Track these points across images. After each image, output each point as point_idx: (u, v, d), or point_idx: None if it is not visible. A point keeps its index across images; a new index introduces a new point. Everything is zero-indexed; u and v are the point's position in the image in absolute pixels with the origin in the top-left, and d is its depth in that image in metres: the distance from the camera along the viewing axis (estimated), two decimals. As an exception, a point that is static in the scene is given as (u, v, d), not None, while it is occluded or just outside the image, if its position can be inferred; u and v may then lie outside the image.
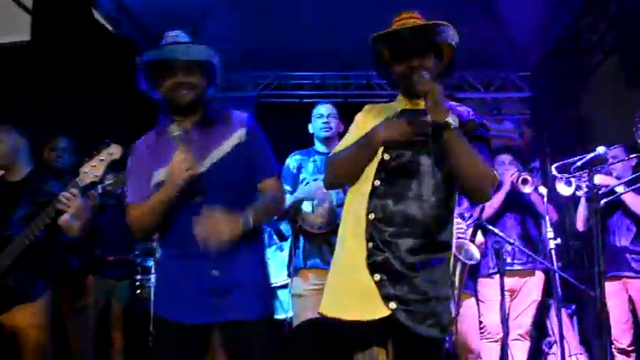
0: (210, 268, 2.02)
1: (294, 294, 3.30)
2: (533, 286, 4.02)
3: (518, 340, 3.93)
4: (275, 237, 4.64)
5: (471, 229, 3.42)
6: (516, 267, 3.91)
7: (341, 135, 2.99)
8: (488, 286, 4.04)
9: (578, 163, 2.76)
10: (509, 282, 3.75)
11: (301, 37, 5.55)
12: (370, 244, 1.89)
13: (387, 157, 1.93)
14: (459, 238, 3.32)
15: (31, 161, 3.07)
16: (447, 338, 2.93)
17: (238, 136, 2.14)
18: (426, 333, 1.83)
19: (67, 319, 3.56)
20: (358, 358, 1.89)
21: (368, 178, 1.95)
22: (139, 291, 4.54)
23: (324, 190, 3.05)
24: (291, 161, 3.42)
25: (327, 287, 2.01)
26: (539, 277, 4.03)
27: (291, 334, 3.31)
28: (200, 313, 2.04)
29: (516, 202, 4.05)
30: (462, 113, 1.97)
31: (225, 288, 2.03)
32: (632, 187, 3.20)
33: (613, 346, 3.53)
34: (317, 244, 3.20)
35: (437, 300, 1.87)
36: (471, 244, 3.22)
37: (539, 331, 4.41)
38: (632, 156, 3.32)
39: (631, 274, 3.55)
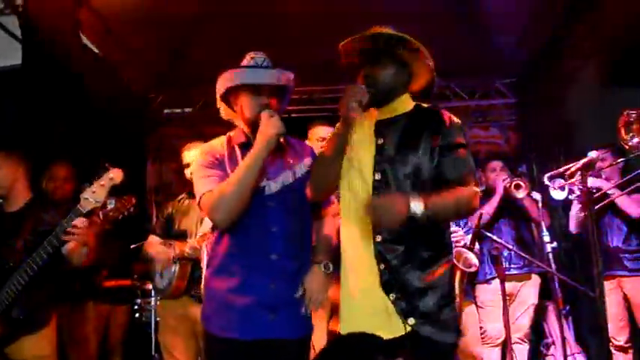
0: (268, 282, 2.07)
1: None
2: (530, 290, 4.10)
3: (517, 343, 3.99)
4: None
5: (469, 236, 3.48)
6: (513, 271, 4.00)
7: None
8: (487, 292, 4.12)
9: (573, 169, 2.83)
10: (507, 286, 3.79)
11: (288, 52, 5.58)
12: (382, 266, 1.94)
13: (377, 177, 1.98)
14: (456, 246, 3.38)
15: (29, 189, 3.03)
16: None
17: (309, 162, 2.25)
18: (445, 340, 1.90)
19: (69, 348, 3.55)
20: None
21: (364, 198, 1.98)
22: (137, 315, 4.52)
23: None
24: None
25: (342, 311, 2.05)
26: (535, 280, 4.12)
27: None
28: (256, 328, 2.06)
29: (509, 208, 4.15)
30: (443, 121, 2.01)
31: (278, 303, 2.08)
32: (624, 189, 3.29)
33: (610, 343, 3.60)
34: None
35: (448, 306, 1.94)
36: (469, 251, 3.28)
37: (535, 333, 4.48)
38: (619, 160, 3.42)
39: (625, 273, 3.65)
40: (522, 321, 4.07)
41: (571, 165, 2.83)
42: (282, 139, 2.17)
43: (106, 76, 5.46)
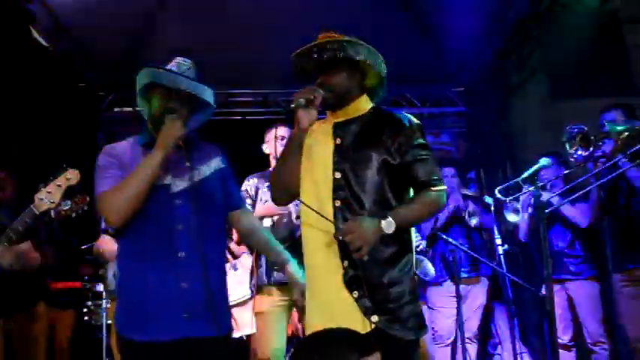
0: (179, 280, 2.06)
1: (258, 311, 3.31)
2: (478, 292, 4.27)
3: (466, 342, 4.13)
4: (229, 255, 4.63)
5: (424, 242, 3.62)
6: (463, 275, 4.12)
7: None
8: (438, 293, 4.26)
9: (526, 174, 2.97)
10: (457, 289, 3.96)
11: (243, 54, 5.58)
12: (345, 263, 1.97)
13: (337, 175, 2.02)
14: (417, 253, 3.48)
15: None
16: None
17: (219, 161, 2.28)
18: (408, 336, 1.95)
19: (18, 351, 3.43)
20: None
21: (324, 197, 2.02)
22: (87, 318, 4.38)
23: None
24: (248, 184, 3.46)
25: (308, 311, 2.08)
26: (483, 283, 4.29)
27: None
28: (171, 328, 2.05)
29: (460, 215, 4.30)
30: (403, 121, 2.05)
31: (194, 301, 2.07)
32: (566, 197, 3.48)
33: (555, 342, 3.80)
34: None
35: (411, 302, 1.99)
36: (427, 260, 3.40)
37: (483, 333, 4.66)
38: (565, 172, 3.62)
39: (569, 276, 3.85)
40: (471, 322, 4.21)
41: (526, 174, 2.96)
42: (180, 142, 2.16)
43: (57, 72, 5.28)
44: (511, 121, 5.72)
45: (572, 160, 3.23)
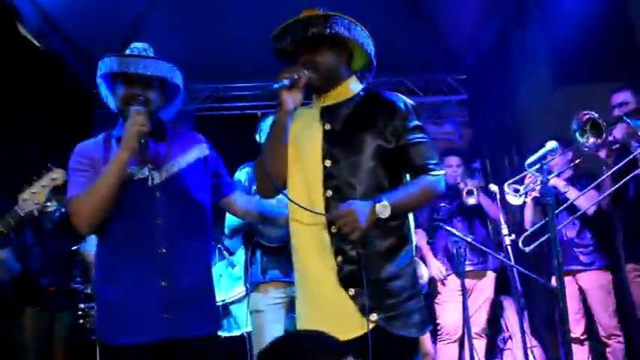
0: (160, 278, 1.97)
1: (254, 310, 3.17)
2: (485, 285, 4.13)
3: (474, 338, 3.97)
4: (225, 252, 4.50)
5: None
6: (468, 268, 3.98)
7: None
8: (442, 288, 4.11)
9: (533, 158, 2.81)
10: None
11: (239, 48, 5.45)
12: (339, 258, 1.82)
13: (328, 163, 1.87)
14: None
15: None
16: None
17: (201, 149, 2.18)
18: (410, 334, 1.80)
19: (6, 357, 3.32)
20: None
21: (314, 187, 1.87)
22: (81, 320, 4.27)
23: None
24: (242, 174, 3.31)
25: (299, 312, 1.94)
26: (490, 276, 4.15)
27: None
28: (150, 330, 1.95)
29: (463, 206, 4.15)
30: (397, 105, 1.90)
31: (176, 300, 1.97)
32: (576, 186, 3.32)
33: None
34: (275, 257, 3.10)
35: (413, 297, 1.85)
36: (421, 263, 3.25)
37: (492, 328, 4.51)
38: (571, 156, 3.45)
39: (580, 267, 3.68)
40: (479, 316, 4.09)
41: (532, 157, 2.81)
42: (148, 134, 2.04)
43: (48, 70, 5.16)
44: (516, 107, 5.55)
45: (585, 149, 3.06)
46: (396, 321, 1.79)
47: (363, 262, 1.79)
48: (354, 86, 1.98)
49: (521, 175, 3.37)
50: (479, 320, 4.08)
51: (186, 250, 2.04)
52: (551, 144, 2.78)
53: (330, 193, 1.85)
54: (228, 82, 6.14)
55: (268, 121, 3.28)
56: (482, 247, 3.47)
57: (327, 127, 1.91)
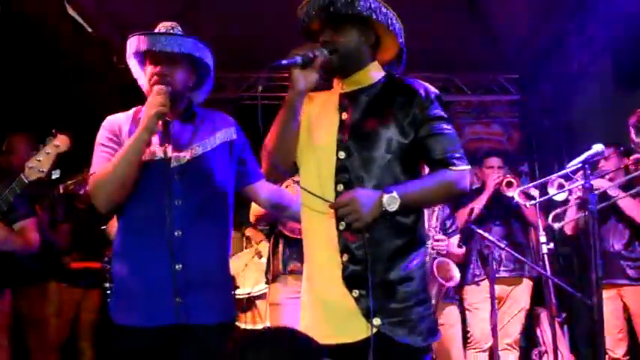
0: (174, 261, 1.92)
1: (272, 302, 3.11)
2: (520, 294, 3.91)
3: (506, 349, 3.81)
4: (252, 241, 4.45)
5: (455, 238, 3.30)
6: (503, 274, 3.79)
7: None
8: (475, 293, 3.92)
9: (575, 161, 2.61)
10: (496, 289, 3.57)
11: (284, 38, 5.38)
12: (345, 257, 1.70)
13: (341, 155, 1.74)
14: (438, 254, 3.18)
15: None
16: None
17: (228, 133, 2.12)
18: (415, 343, 1.66)
19: (27, 327, 3.39)
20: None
21: (326, 179, 1.75)
22: (109, 300, 4.31)
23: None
24: None
25: (303, 310, 1.83)
26: (526, 284, 3.93)
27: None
28: (161, 313, 1.90)
29: (501, 207, 3.95)
30: (417, 90, 1.76)
31: (190, 284, 1.92)
32: (629, 192, 3.08)
33: (607, 356, 3.40)
34: (298, 248, 3.01)
35: (421, 303, 1.71)
36: (453, 263, 3.09)
37: (528, 340, 4.27)
38: (631, 159, 3.19)
39: (626, 281, 3.44)
40: (512, 326, 3.86)
41: (575, 160, 2.60)
42: (168, 114, 1.99)
43: (96, 53, 5.24)
44: (572, 110, 5.26)
45: (639, 148, 2.83)
46: (400, 327, 1.66)
47: (369, 262, 1.67)
48: (375, 73, 1.84)
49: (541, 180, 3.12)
50: (512, 331, 3.85)
51: (203, 235, 1.99)
52: (597, 147, 2.56)
53: (341, 187, 1.73)
54: (272, 71, 6.08)
55: None
56: (516, 254, 3.26)
57: (344, 116, 1.79)
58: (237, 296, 4.06)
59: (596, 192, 2.99)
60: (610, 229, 3.50)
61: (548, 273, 3.10)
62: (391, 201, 1.63)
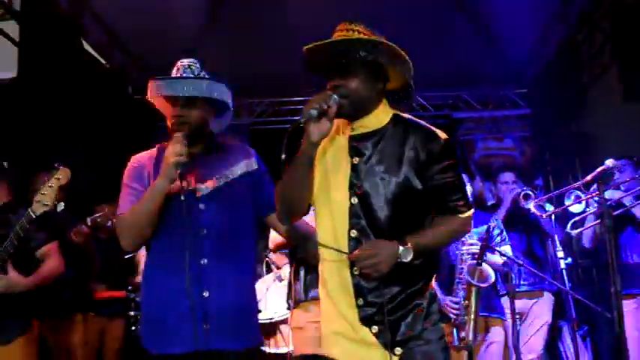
0: (201, 289, 1.98)
1: (295, 327, 3.14)
2: (542, 308, 3.88)
3: (528, 364, 3.78)
4: (272, 265, 4.48)
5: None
6: (523, 288, 3.79)
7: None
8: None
9: (588, 177, 2.63)
10: (517, 304, 3.56)
11: (295, 63, 5.46)
12: (360, 301, 1.78)
13: (354, 201, 1.79)
14: (472, 259, 3.19)
15: (10, 194, 2.93)
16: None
17: (248, 164, 2.19)
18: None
19: (54, 357, 3.44)
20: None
21: (340, 225, 1.81)
22: (133, 327, 4.36)
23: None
24: None
25: (322, 340, 1.89)
26: (548, 298, 3.90)
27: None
28: (188, 340, 1.95)
29: (520, 221, 3.95)
30: (430, 136, 1.79)
31: (216, 311, 1.98)
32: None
33: (631, 368, 3.36)
34: (318, 275, 3.05)
35: (431, 331, 1.80)
36: (485, 264, 3.09)
37: (550, 354, 4.25)
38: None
39: (646, 292, 3.40)
40: (535, 341, 3.83)
41: (588, 176, 2.63)
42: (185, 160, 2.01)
43: (111, 86, 5.37)
44: (582, 121, 5.26)
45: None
46: (419, 347, 1.76)
47: (384, 306, 1.75)
48: (384, 114, 1.86)
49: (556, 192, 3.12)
50: (535, 346, 3.82)
51: (228, 262, 2.05)
52: (609, 162, 2.58)
53: (355, 233, 1.79)
54: (285, 96, 6.18)
55: None
56: (534, 271, 3.27)
57: (355, 160, 1.82)
58: (259, 321, 4.08)
59: (613, 205, 3.03)
60: (629, 239, 3.49)
61: (567, 287, 3.10)
62: (406, 253, 1.72)
